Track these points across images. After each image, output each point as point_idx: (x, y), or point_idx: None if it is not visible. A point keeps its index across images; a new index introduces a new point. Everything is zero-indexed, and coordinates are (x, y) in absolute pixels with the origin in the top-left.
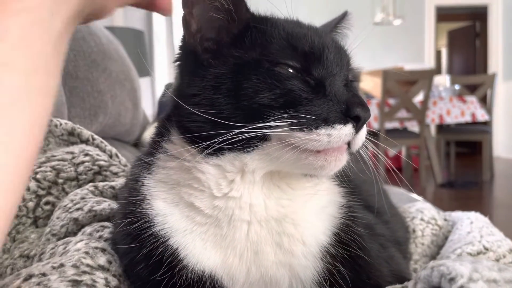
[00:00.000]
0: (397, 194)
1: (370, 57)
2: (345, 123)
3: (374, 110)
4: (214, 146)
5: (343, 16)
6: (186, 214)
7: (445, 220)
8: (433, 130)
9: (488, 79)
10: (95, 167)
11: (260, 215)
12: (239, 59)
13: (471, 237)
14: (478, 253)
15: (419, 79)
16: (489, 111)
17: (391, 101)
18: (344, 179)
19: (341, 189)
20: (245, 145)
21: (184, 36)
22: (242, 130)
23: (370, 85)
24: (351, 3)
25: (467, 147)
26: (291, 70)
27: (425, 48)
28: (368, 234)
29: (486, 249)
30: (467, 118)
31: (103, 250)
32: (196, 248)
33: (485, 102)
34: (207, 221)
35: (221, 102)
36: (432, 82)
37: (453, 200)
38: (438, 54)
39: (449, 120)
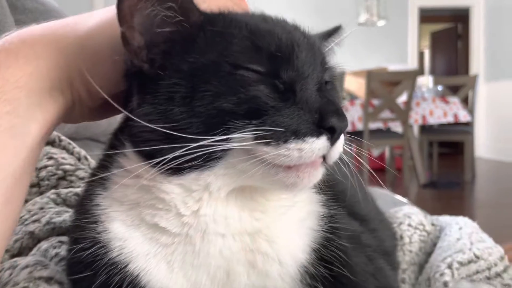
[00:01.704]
0: (381, 195)
1: (353, 57)
2: (318, 135)
3: (358, 110)
4: (170, 164)
5: (336, 30)
6: (150, 236)
7: (433, 224)
8: (416, 130)
9: (470, 80)
10: (59, 172)
11: (234, 228)
12: (195, 64)
13: (461, 244)
14: (469, 262)
15: (403, 80)
16: (471, 112)
17: (375, 101)
18: (325, 185)
19: (321, 196)
20: (206, 160)
21: (125, 57)
22: (199, 143)
23: (354, 86)
24: (336, 3)
25: (449, 147)
26: (256, 74)
27: (408, 49)
28: (353, 247)
29: (477, 257)
30: (450, 119)
31: (48, 279)
32: (161, 273)
33: (467, 103)
34: (174, 240)
35: (175, 113)
36: (415, 83)
37: (435, 201)
38: (421, 55)
39: (432, 120)
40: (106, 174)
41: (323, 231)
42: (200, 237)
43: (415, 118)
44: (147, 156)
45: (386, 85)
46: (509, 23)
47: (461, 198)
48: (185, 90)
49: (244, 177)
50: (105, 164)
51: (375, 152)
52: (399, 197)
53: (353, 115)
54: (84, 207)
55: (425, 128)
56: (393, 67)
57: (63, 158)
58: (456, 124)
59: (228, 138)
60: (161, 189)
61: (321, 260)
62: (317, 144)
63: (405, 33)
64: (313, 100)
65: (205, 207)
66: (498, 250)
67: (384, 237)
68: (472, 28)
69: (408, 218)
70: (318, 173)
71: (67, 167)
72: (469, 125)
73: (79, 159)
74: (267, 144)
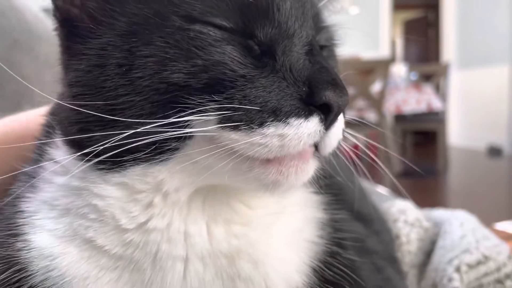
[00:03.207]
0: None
1: None
2: (307, 115)
3: None
4: (103, 156)
5: None
6: (87, 254)
7: (427, 219)
8: (389, 120)
9: (442, 68)
10: None
11: (201, 249)
12: (135, 16)
13: (466, 243)
14: (478, 263)
15: (376, 69)
16: (443, 100)
17: (350, 91)
18: (324, 181)
19: (320, 197)
20: (156, 151)
21: None
22: (140, 130)
23: None
24: None
25: (424, 136)
26: (220, 30)
27: (380, 37)
28: (360, 256)
29: (486, 257)
30: (423, 107)
31: None
32: None
33: (440, 90)
34: (117, 264)
35: (108, 87)
36: (388, 71)
37: (410, 190)
38: (392, 43)
39: (405, 109)
40: (30, 168)
41: (326, 244)
42: (150, 262)
43: (389, 107)
44: (76, 145)
45: (359, 73)
46: (479, 11)
47: (435, 187)
48: (120, 55)
49: (209, 174)
50: (35, 156)
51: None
52: (380, 189)
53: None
54: (6, 215)
55: (399, 118)
56: (366, 54)
57: None
58: (429, 113)
59: (181, 121)
60: (94, 193)
61: (325, 281)
62: (306, 128)
63: (377, 21)
64: (301, 66)
65: (156, 217)
66: (505, 248)
67: (388, 239)
68: (444, 15)
69: (403, 214)
70: (309, 168)
71: None
72: (441, 113)
73: None
74: (235, 129)
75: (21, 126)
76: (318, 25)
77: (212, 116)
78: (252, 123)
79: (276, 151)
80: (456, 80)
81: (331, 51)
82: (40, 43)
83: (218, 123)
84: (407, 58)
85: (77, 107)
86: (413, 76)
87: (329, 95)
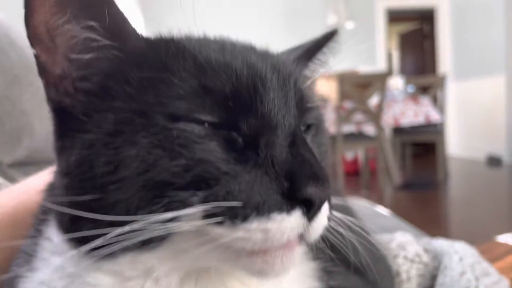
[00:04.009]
0: (361, 208)
1: None
2: (289, 210)
3: (331, 114)
4: (93, 247)
5: (327, 39)
6: None
7: (426, 250)
8: (388, 132)
9: (439, 80)
10: None
11: None
12: (121, 113)
13: (465, 281)
14: None
15: (373, 82)
16: (441, 111)
17: (348, 104)
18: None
19: (316, 263)
20: (143, 243)
21: (44, 87)
22: (128, 227)
23: (326, 90)
24: (303, 7)
25: (423, 147)
26: (203, 126)
27: (376, 51)
28: None
29: None
30: (421, 119)
31: None
32: None
33: (437, 102)
34: None
35: (96, 184)
36: (386, 84)
37: (410, 202)
38: (389, 56)
39: (404, 122)
40: (27, 245)
41: None
42: None
43: (387, 120)
44: (67, 231)
45: (357, 87)
46: (474, 22)
47: (435, 199)
48: (107, 152)
49: (200, 261)
50: (33, 233)
51: (349, 156)
52: (380, 209)
53: (326, 119)
54: None
55: (397, 130)
56: (363, 68)
57: None
58: (428, 125)
59: (167, 217)
60: (86, 281)
61: None
62: (289, 222)
63: (373, 34)
64: (282, 160)
65: None
66: (505, 285)
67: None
68: (439, 27)
69: (403, 250)
70: (295, 255)
71: None
72: (440, 125)
73: None
74: (220, 224)
75: (29, 199)
76: (304, 108)
77: (197, 211)
78: (235, 218)
79: (260, 244)
80: (453, 91)
81: (319, 127)
82: (39, 78)
83: (202, 218)
84: (403, 71)
85: (66, 198)
86: (410, 89)
87: (310, 191)
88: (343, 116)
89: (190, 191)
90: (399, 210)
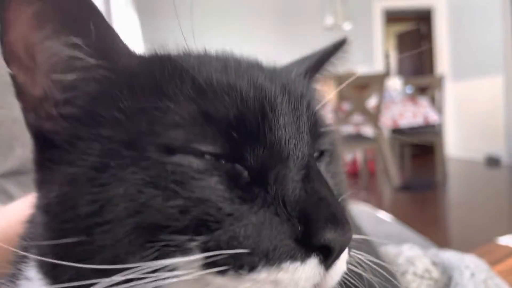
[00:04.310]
0: (364, 214)
1: None
2: (304, 258)
3: (329, 116)
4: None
5: (336, 49)
6: None
7: (434, 264)
8: (386, 133)
9: (437, 80)
10: None
11: None
12: (110, 143)
13: None
14: None
15: (371, 83)
16: (439, 112)
17: (346, 106)
18: None
19: None
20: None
21: (23, 111)
22: (115, 278)
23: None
24: (301, 7)
25: (422, 148)
26: (203, 158)
27: (374, 51)
28: None
29: None
30: (419, 120)
31: None
32: None
33: (436, 103)
34: None
35: (80, 227)
36: (383, 85)
37: (410, 203)
38: (386, 57)
39: (402, 123)
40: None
41: None
42: None
43: (385, 122)
44: (47, 273)
45: (356, 89)
46: (472, 22)
47: (434, 200)
48: (92, 190)
49: None
50: (13, 271)
51: (347, 157)
52: (381, 215)
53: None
54: None
55: (396, 131)
56: (361, 69)
57: None
58: (426, 126)
59: (161, 265)
60: None
61: None
62: (303, 272)
63: (371, 35)
64: (295, 199)
65: None
66: None
67: None
68: (437, 27)
69: (411, 265)
70: None
71: None
72: (438, 126)
73: None
74: (223, 273)
75: (10, 228)
76: (318, 133)
77: (196, 259)
78: (241, 268)
79: None
80: (451, 92)
81: (333, 154)
82: None
83: (202, 266)
84: (401, 71)
85: (45, 237)
86: (409, 90)
87: (328, 236)
88: (342, 118)
89: (188, 235)
90: (398, 212)
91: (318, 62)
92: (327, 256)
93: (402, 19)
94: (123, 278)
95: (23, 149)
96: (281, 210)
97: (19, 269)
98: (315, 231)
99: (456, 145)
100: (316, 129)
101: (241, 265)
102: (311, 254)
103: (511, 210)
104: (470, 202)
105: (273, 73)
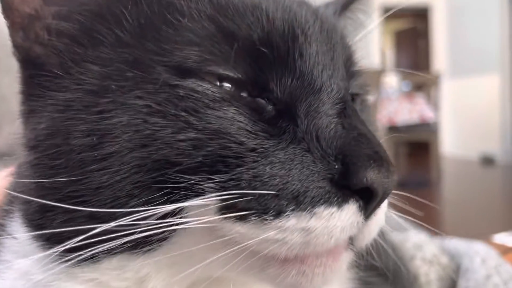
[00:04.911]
0: None
1: None
2: (341, 203)
3: None
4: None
5: None
6: None
7: (442, 251)
8: (382, 131)
9: (434, 78)
10: None
11: None
12: (110, 66)
13: (492, 285)
14: None
15: (368, 80)
16: (435, 109)
17: None
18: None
19: (353, 272)
20: (137, 243)
21: (9, 29)
22: (119, 222)
23: None
24: None
25: (417, 146)
26: (221, 86)
27: (370, 48)
28: None
29: None
30: (415, 118)
31: None
32: None
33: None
34: None
35: (73, 163)
36: (380, 82)
37: (404, 201)
38: (383, 54)
39: (398, 120)
40: None
41: None
42: None
43: (381, 119)
44: (34, 225)
45: None
46: (469, 21)
47: (429, 198)
48: (89, 118)
49: (208, 267)
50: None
51: None
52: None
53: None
54: None
55: (392, 129)
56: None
57: None
58: (422, 123)
59: (171, 209)
60: None
61: None
62: (339, 220)
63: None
64: (331, 135)
65: None
66: None
67: None
68: (434, 25)
69: (419, 250)
70: (341, 265)
71: None
72: (434, 124)
73: None
74: (242, 219)
75: None
76: (351, 70)
77: (211, 202)
78: (265, 213)
79: (298, 249)
80: (447, 90)
81: (364, 101)
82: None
83: (219, 211)
84: (398, 68)
85: (33, 178)
86: (405, 87)
87: (372, 177)
88: None
89: (201, 175)
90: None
91: (344, 5)
92: (368, 203)
93: (398, 16)
94: (124, 224)
95: (12, 128)
96: (314, 145)
97: (2, 225)
98: (356, 170)
99: (452, 143)
100: (350, 64)
101: (265, 209)
102: (350, 199)
103: (505, 208)
104: (464, 200)
105: (301, 1)
